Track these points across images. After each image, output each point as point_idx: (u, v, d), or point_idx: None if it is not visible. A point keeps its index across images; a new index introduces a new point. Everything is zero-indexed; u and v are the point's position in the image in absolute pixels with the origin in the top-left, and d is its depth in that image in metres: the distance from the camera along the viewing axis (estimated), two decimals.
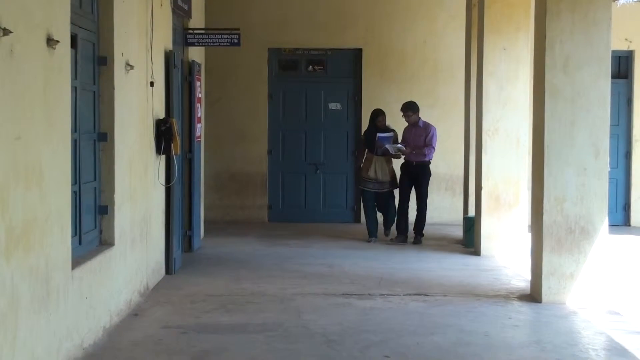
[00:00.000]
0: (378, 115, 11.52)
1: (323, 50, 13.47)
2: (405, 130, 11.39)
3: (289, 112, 13.52)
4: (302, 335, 6.45)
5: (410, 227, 11.28)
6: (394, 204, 11.49)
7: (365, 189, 11.48)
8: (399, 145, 11.14)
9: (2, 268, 4.28)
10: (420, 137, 11.18)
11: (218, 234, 11.75)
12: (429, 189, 11.53)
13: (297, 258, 10.03)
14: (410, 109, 11.26)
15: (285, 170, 13.49)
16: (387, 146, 11.10)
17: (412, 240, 11.16)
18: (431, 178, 11.49)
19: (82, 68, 6.13)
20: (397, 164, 11.51)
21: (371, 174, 11.33)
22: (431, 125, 11.29)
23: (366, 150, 11.47)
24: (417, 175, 11.26)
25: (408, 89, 12.81)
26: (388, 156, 11.29)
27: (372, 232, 11.42)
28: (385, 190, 11.38)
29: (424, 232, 11.27)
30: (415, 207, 11.25)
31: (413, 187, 11.37)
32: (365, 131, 11.74)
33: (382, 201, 11.49)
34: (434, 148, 11.22)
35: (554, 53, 7.50)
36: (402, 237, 11.23)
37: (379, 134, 11.22)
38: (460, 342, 6.32)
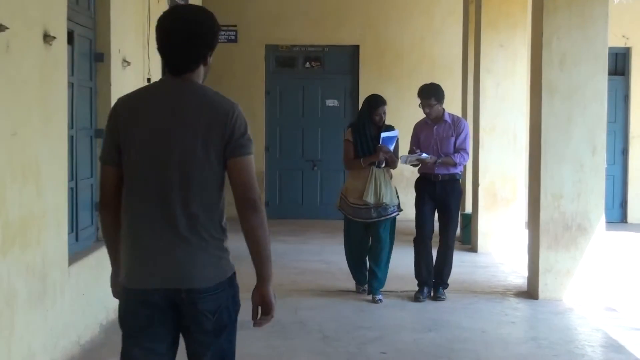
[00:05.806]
0: (379, 104, 7.41)
1: (320, 47, 13.47)
2: (418, 128, 7.72)
3: (286, 109, 13.51)
4: (299, 331, 6.45)
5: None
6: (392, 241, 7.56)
7: (355, 220, 7.46)
8: (425, 154, 7.39)
9: None
10: (448, 138, 7.50)
11: None
12: None
13: (294, 254, 10.03)
14: (434, 94, 7.48)
15: (283, 166, 13.48)
16: (404, 157, 7.41)
17: (432, 294, 7.64)
18: None
19: (78, 64, 6.12)
20: (399, 179, 8.78)
21: (369, 197, 7.25)
22: (462, 120, 7.73)
23: (354, 156, 7.41)
24: (445, 197, 7.53)
25: (405, 86, 12.79)
26: (389, 166, 7.47)
27: (361, 280, 7.73)
28: (388, 215, 7.38)
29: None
30: (438, 244, 7.70)
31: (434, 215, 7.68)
32: (352, 126, 7.56)
33: (378, 235, 7.41)
34: (468, 154, 7.62)
35: (550, 50, 7.49)
36: (427, 289, 7.61)
37: (383, 134, 7.29)
38: (457, 338, 6.32)
